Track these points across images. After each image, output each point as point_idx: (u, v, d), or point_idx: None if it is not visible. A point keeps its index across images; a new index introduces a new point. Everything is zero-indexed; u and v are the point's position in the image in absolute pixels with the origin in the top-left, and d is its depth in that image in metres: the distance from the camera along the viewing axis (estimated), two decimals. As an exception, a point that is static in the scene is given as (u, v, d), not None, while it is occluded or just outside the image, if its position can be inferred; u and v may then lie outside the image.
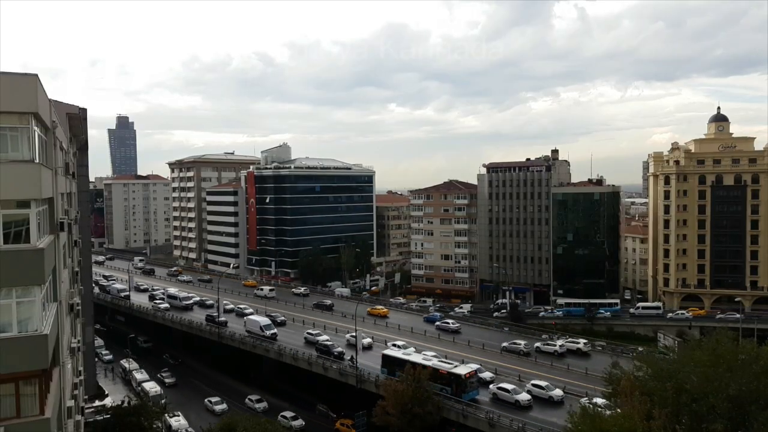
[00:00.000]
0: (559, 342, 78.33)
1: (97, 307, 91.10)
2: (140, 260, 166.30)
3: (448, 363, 63.43)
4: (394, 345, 75.71)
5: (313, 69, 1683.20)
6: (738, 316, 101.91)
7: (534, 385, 61.07)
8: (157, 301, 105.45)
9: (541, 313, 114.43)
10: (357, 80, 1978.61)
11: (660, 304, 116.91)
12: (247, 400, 73.90)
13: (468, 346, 79.42)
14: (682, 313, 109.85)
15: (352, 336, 78.25)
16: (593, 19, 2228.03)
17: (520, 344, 77.31)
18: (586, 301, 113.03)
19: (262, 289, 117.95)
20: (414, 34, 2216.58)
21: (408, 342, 79.25)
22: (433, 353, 69.91)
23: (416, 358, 64.47)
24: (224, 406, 71.92)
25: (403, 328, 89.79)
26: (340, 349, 74.37)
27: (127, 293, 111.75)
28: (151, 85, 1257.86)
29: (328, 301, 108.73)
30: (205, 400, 74.54)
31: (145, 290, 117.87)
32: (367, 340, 78.85)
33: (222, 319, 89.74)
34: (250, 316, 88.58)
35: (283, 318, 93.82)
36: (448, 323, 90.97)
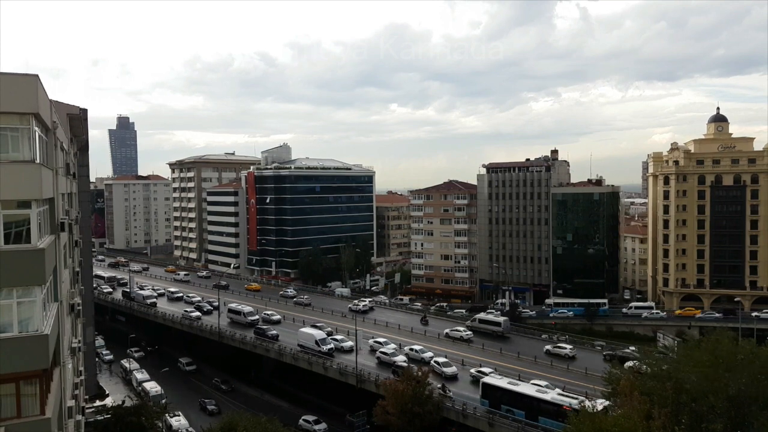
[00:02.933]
0: (363, 302, 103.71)
1: (97, 306, 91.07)
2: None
3: (572, 397, 52.52)
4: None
5: (314, 69, 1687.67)
6: (717, 315, 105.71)
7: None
8: (188, 310, 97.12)
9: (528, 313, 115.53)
10: (358, 80, 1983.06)
11: (652, 303, 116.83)
12: (302, 421, 67.64)
13: (294, 306, 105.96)
14: (657, 313, 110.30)
15: (412, 350, 73.56)
16: (595, 19, 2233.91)
17: (303, 298, 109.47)
18: (574, 300, 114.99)
19: (178, 274, 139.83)
20: (416, 34, 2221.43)
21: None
22: (546, 383, 59.45)
23: (528, 389, 54.82)
24: None
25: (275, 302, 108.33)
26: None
27: (153, 300, 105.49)
28: (153, 85, 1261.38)
29: (224, 282, 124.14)
30: None
31: (179, 298, 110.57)
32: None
33: (273, 332, 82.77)
34: (303, 329, 80.00)
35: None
36: (287, 291, 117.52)
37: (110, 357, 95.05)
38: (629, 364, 63.79)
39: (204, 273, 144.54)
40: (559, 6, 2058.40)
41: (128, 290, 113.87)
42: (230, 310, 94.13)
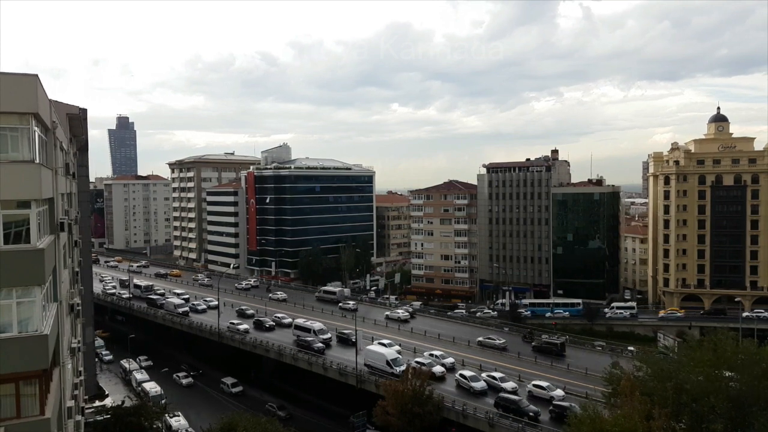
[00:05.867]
0: (248, 282, 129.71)
1: (97, 306, 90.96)
2: None
3: None
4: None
5: (316, 69, 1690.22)
6: (679, 314, 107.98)
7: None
8: (235, 322, 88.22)
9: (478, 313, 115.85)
10: (360, 80, 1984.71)
11: (633, 304, 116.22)
12: None
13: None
14: (620, 313, 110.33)
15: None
16: (598, 19, 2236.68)
17: (204, 279, 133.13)
18: (549, 300, 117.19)
19: (132, 266, 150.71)
20: (418, 34, 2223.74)
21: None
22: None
23: None
24: None
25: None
26: (533, 409, 54.60)
27: (186, 309, 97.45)
28: (154, 85, 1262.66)
29: (163, 271, 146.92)
30: None
31: (186, 300, 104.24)
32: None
33: (319, 345, 75.57)
34: (371, 347, 71.23)
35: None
36: (198, 276, 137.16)
37: (110, 357, 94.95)
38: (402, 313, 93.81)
39: (143, 262, 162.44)
40: (561, 5, 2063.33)
41: (153, 297, 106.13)
42: (297, 327, 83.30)
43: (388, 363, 65.73)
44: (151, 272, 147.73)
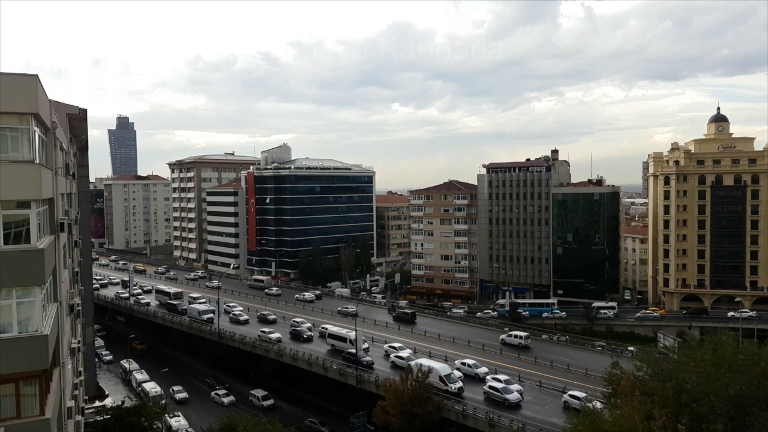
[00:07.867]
0: (195, 273, 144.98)
1: (97, 306, 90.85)
2: None
3: None
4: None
5: (317, 68, 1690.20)
6: (656, 314, 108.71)
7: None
8: (266, 330, 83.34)
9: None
10: (361, 80, 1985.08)
11: (614, 304, 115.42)
12: None
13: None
14: (605, 313, 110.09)
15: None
16: (600, 18, 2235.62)
17: (170, 273, 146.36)
18: (526, 301, 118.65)
19: (115, 262, 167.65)
20: (419, 33, 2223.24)
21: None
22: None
23: None
24: None
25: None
26: None
27: (211, 316, 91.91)
28: (155, 85, 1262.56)
29: (141, 268, 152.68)
30: None
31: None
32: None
33: (368, 359, 69.34)
34: (420, 360, 64.86)
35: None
36: (160, 269, 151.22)
37: (110, 357, 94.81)
38: None
39: (113, 257, 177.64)
40: (563, 5, 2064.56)
41: (174, 302, 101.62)
42: (330, 335, 77.03)
43: (441, 379, 59.71)
44: (130, 268, 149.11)
